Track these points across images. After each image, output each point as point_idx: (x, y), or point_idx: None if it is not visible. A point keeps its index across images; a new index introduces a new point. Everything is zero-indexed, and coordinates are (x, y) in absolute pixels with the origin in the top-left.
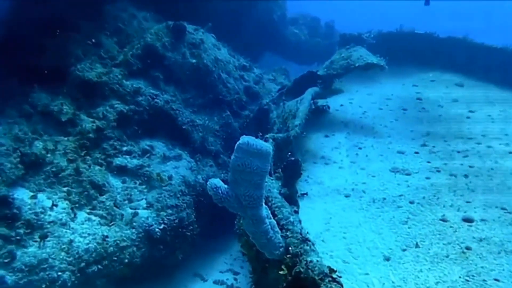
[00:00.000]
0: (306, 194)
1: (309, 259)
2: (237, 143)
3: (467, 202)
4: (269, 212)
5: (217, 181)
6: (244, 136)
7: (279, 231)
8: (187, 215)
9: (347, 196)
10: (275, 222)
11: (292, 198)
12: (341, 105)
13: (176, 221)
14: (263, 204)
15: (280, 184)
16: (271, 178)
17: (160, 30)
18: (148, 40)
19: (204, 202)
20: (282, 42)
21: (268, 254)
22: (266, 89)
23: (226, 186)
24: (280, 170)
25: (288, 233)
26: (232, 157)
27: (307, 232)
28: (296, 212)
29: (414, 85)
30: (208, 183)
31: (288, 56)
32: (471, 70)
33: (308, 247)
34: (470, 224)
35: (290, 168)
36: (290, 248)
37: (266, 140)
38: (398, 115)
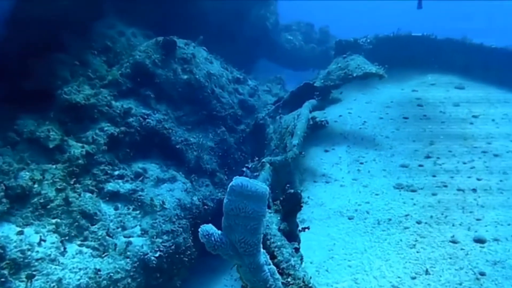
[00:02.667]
0: (308, 228)
1: None
2: (230, 184)
3: (477, 220)
4: (268, 257)
5: (209, 228)
6: (237, 177)
7: (280, 278)
8: (184, 240)
9: (350, 218)
10: (274, 268)
11: (292, 233)
12: (340, 115)
13: (173, 247)
14: (261, 249)
15: (279, 218)
16: (269, 211)
17: (149, 46)
18: (137, 58)
19: (201, 224)
20: (276, 49)
21: None
22: (262, 101)
23: (219, 232)
24: (279, 202)
25: (289, 279)
26: (225, 200)
27: (310, 278)
28: (297, 249)
29: (414, 90)
30: (200, 230)
31: (283, 63)
32: (470, 72)
33: None
34: (482, 245)
35: (289, 202)
36: None
37: (262, 165)
38: (399, 124)
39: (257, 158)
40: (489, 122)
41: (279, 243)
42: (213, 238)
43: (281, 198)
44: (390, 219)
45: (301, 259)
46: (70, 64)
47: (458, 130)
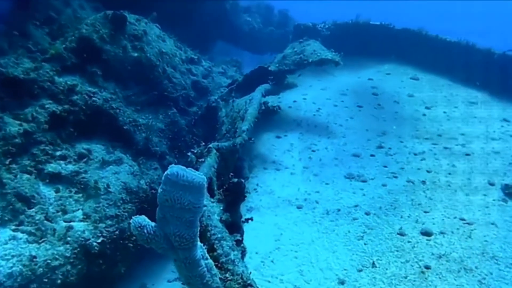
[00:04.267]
0: (251, 219)
1: None
2: (165, 173)
3: (425, 212)
4: (205, 251)
5: (141, 219)
6: (172, 165)
7: (217, 273)
8: (129, 225)
9: (299, 207)
10: (212, 263)
11: (235, 224)
12: (294, 101)
13: (117, 232)
14: (198, 243)
15: (221, 208)
16: (212, 200)
17: (97, 20)
18: (84, 32)
19: (149, 208)
20: (234, 31)
21: None
22: (216, 83)
23: (153, 224)
24: (221, 191)
25: (227, 275)
26: (159, 190)
27: (250, 273)
28: (240, 241)
29: (370, 79)
30: (131, 221)
31: (241, 46)
32: (426, 63)
33: None
34: (428, 238)
35: (232, 191)
36: None
37: (209, 151)
38: (354, 112)
39: (203, 143)
40: (441, 114)
41: (219, 235)
42: (145, 231)
43: (224, 187)
44: (339, 210)
45: (243, 252)
46: (8, 34)
47: (410, 121)
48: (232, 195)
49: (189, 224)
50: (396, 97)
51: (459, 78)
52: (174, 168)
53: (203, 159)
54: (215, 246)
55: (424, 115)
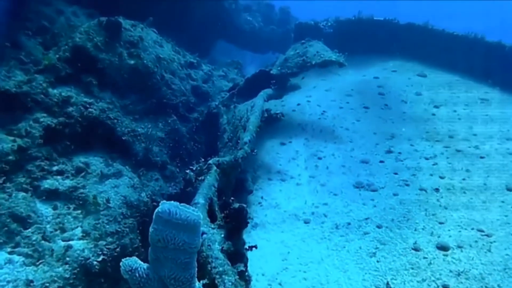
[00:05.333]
0: (255, 247)
1: None
2: (156, 210)
3: (441, 223)
4: None
5: (132, 261)
6: (164, 202)
7: None
8: (131, 241)
9: (306, 222)
10: None
11: (238, 253)
12: (298, 104)
13: (118, 249)
14: (196, 285)
15: (222, 236)
16: (212, 226)
17: (91, 28)
18: (77, 41)
19: (150, 222)
20: (235, 31)
21: None
22: (217, 88)
23: (145, 266)
24: (223, 217)
25: None
26: (151, 229)
27: None
28: (243, 272)
29: (375, 77)
30: (121, 265)
31: (242, 45)
32: (433, 59)
33: None
34: (445, 253)
35: (234, 218)
36: None
37: (209, 168)
38: (360, 114)
39: (203, 160)
40: (451, 113)
41: (221, 269)
42: (137, 274)
43: (225, 213)
44: (349, 223)
45: (248, 281)
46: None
47: (420, 122)
48: (234, 222)
49: (184, 266)
50: (404, 96)
51: (468, 73)
52: (166, 205)
53: (202, 177)
54: (216, 282)
55: (434, 115)
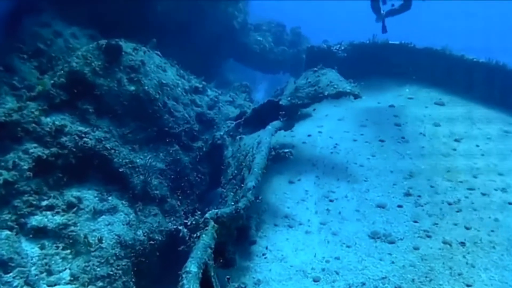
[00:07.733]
0: None
1: None
2: None
3: (468, 286)
4: None
5: None
6: None
7: None
8: (124, 284)
9: (316, 280)
10: None
11: None
12: (309, 135)
13: None
14: None
15: None
16: None
17: (89, 52)
18: (74, 66)
19: (146, 262)
20: (244, 51)
21: None
22: (223, 114)
23: None
24: None
25: None
26: None
27: None
28: None
29: (391, 106)
30: None
31: (252, 65)
32: (451, 85)
33: None
34: None
35: None
36: None
37: (205, 223)
38: (375, 148)
39: (199, 213)
40: (473, 148)
41: None
42: None
43: None
44: (364, 284)
45: None
46: None
47: (440, 158)
48: None
49: None
50: (421, 127)
51: (490, 102)
52: None
53: (198, 234)
54: None
55: (455, 150)
